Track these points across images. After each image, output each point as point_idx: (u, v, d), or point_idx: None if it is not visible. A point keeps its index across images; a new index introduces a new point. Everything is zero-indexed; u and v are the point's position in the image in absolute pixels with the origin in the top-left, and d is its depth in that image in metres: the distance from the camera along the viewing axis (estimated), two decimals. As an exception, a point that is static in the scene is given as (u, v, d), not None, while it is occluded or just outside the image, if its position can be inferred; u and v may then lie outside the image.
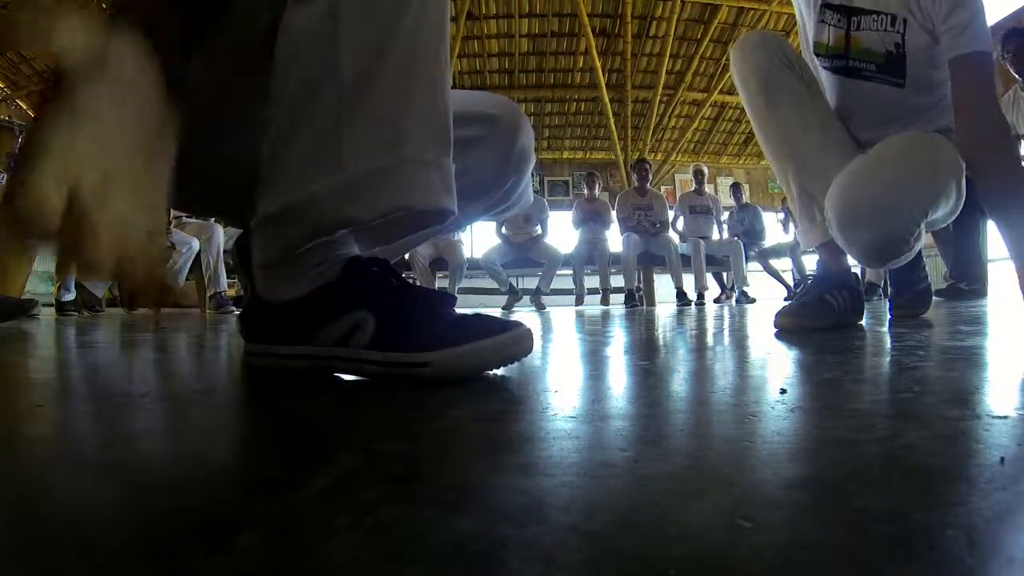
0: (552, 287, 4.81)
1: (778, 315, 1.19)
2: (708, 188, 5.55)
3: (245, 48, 0.61)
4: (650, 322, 1.87)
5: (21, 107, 8.18)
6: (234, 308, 3.76)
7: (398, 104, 0.54)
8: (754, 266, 5.33)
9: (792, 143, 1.26)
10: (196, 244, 3.88)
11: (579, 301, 4.85)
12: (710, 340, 1.11)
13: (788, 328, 1.16)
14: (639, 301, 4.65)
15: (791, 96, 1.24)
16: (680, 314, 2.59)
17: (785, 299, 5.23)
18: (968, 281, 3.08)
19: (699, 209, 5.18)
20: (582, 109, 9.06)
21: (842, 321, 1.23)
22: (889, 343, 0.92)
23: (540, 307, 4.46)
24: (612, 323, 1.81)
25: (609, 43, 8.12)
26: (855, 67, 1.28)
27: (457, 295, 4.83)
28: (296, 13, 0.55)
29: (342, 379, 0.58)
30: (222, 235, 3.87)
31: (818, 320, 1.19)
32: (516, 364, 0.60)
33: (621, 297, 4.79)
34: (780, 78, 1.23)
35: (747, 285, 4.94)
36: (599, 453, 0.30)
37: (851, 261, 1.29)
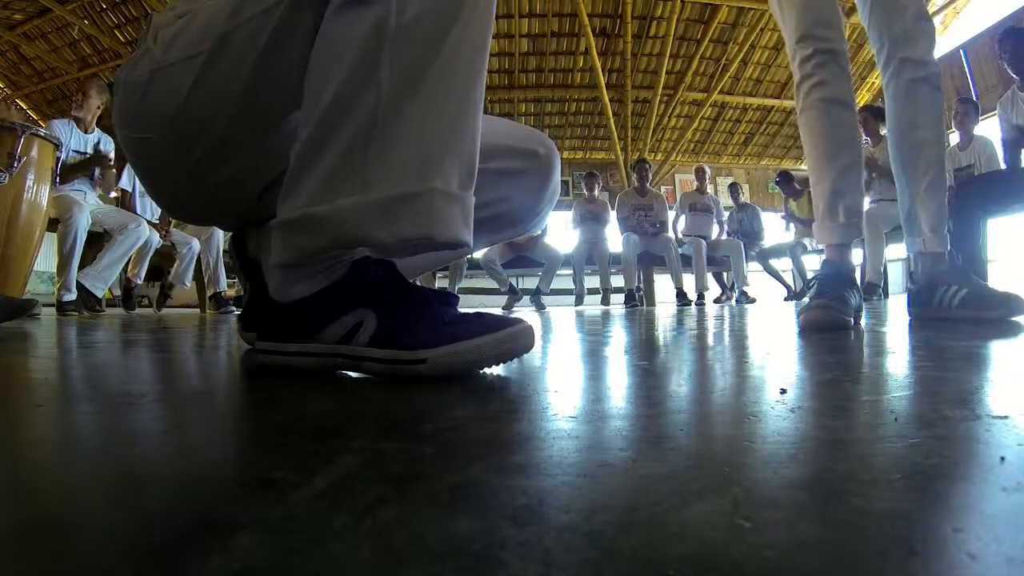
0: (552, 287, 4.81)
1: (807, 311, 1.17)
2: (709, 188, 5.55)
3: (278, 54, 0.61)
4: (650, 322, 1.87)
5: (21, 107, 8.19)
6: (234, 308, 3.76)
7: (430, 131, 0.54)
8: (754, 266, 5.33)
9: (847, 155, 1.30)
10: (196, 244, 3.88)
11: (579, 301, 4.85)
12: (710, 340, 1.11)
13: (820, 322, 1.14)
14: (639, 301, 4.65)
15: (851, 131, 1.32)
16: (680, 314, 2.59)
17: (785, 299, 5.23)
18: (968, 281, 3.07)
19: (700, 208, 5.18)
20: (582, 109, 9.06)
21: (855, 318, 1.23)
22: (889, 343, 0.92)
23: (540, 307, 4.46)
24: (612, 323, 1.81)
25: (609, 43, 8.12)
26: None
27: (457, 295, 4.81)
28: (341, 23, 0.55)
29: (342, 378, 0.58)
30: (221, 235, 3.88)
31: (845, 314, 1.17)
32: (516, 364, 0.60)
33: (621, 297, 4.79)
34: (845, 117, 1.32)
35: (747, 285, 4.94)
36: (599, 453, 0.30)
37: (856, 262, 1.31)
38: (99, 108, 3.33)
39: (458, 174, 0.55)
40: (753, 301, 4.84)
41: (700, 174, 5.36)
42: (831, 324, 1.13)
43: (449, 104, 0.55)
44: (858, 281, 1.56)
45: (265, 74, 0.62)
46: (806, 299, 1.29)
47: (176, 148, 0.67)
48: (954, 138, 3.95)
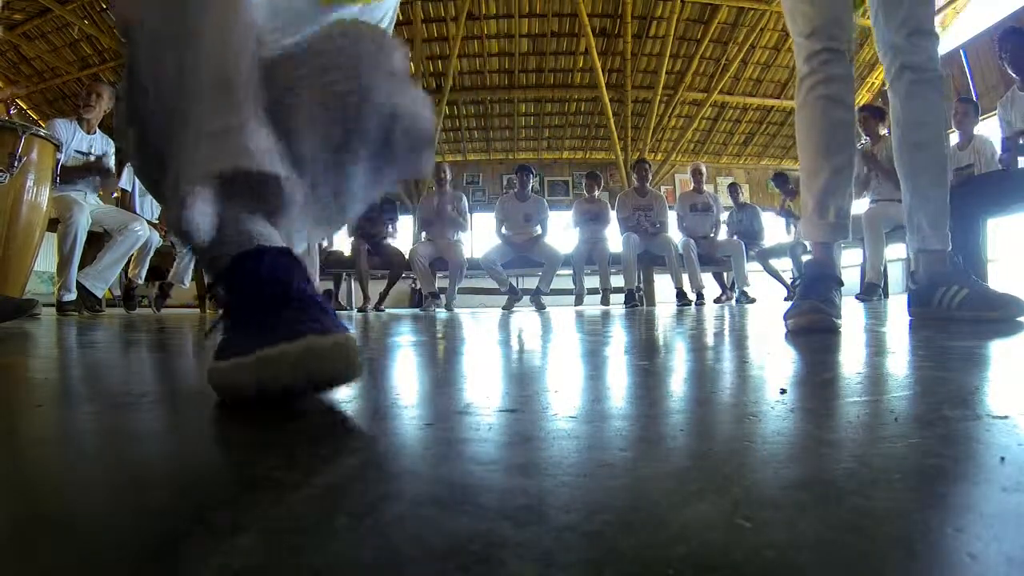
0: (552, 287, 4.81)
1: (795, 314, 1.14)
2: (707, 187, 5.55)
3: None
4: (650, 322, 1.87)
5: (21, 107, 8.19)
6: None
7: (198, 87, 0.58)
8: (754, 266, 5.33)
9: (841, 155, 1.32)
10: (196, 244, 3.88)
11: (579, 301, 4.85)
12: (710, 340, 1.11)
13: (809, 326, 1.12)
14: (639, 301, 4.65)
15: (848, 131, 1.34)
16: (680, 314, 2.59)
17: (785, 299, 5.23)
18: (968, 281, 3.07)
19: (700, 207, 5.18)
20: (582, 109, 9.06)
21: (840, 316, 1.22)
22: (889, 343, 0.92)
23: (540, 307, 4.46)
24: (612, 323, 1.81)
25: (609, 43, 8.12)
26: None
27: (457, 295, 4.85)
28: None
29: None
30: (222, 235, 3.87)
31: (833, 316, 1.16)
32: (516, 364, 0.59)
33: (621, 297, 4.79)
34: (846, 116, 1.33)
35: (747, 285, 4.95)
36: (599, 453, 0.30)
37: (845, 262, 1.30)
38: (107, 111, 3.34)
39: (218, 108, 0.57)
40: (753, 301, 4.84)
41: (696, 173, 5.36)
42: (820, 326, 1.12)
43: (208, 59, 0.58)
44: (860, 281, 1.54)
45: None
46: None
47: (136, 149, 0.74)
48: (954, 138, 3.95)
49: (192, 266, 3.94)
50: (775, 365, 0.67)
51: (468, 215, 4.95)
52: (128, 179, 3.66)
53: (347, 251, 4.83)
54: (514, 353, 0.91)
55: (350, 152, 0.74)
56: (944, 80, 1.37)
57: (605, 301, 4.79)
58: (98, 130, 3.37)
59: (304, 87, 0.71)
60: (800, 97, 1.33)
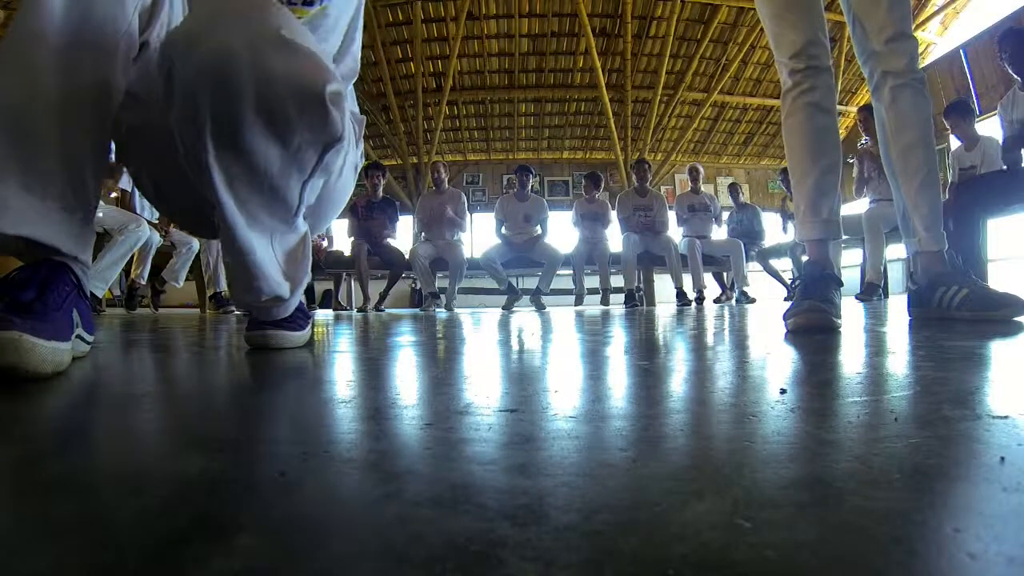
0: (552, 287, 4.81)
1: (795, 313, 1.15)
2: (707, 187, 5.55)
3: None
4: (650, 322, 1.87)
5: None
6: (234, 308, 3.76)
7: None
8: (754, 266, 5.33)
9: (829, 157, 1.36)
10: (196, 244, 3.88)
11: (579, 301, 4.85)
12: (710, 340, 1.11)
13: (810, 325, 1.12)
14: (639, 301, 4.65)
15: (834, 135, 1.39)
16: (680, 314, 2.59)
17: (786, 299, 5.23)
18: (968, 281, 3.07)
19: (698, 207, 5.18)
20: (582, 109, 9.06)
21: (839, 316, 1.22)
22: (889, 343, 0.92)
23: (540, 307, 4.46)
24: (612, 323, 1.81)
25: (609, 43, 8.12)
26: None
27: (457, 295, 4.85)
28: None
29: (341, 379, 0.58)
30: (222, 235, 3.87)
31: (833, 316, 1.16)
32: (516, 364, 0.59)
33: (621, 297, 4.79)
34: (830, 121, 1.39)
35: (747, 285, 4.94)
36: (599, 453, 0.30)
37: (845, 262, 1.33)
38: None
39: None
40: (753, 301, 4.84)
41: (694, 173, 5.37)
42: (820, 326, 1.13)
43: None
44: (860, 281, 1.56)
45: None
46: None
47: None
48: (956, 140, 3.95)
49: (188, 266, 3.94)
50: (775, 365, 0.67)
51: (468, 215, 4.95)
52: (127, 179, 3.66)
53: (347, 251, 4.83)
54: (514, 353, 0.91)
55: (250, 131, 0.70)
56: (924, 82, 1.40)
57: (605, 301, 4.78)
58: None
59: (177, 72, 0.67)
60: (787, 107, 1.39)
